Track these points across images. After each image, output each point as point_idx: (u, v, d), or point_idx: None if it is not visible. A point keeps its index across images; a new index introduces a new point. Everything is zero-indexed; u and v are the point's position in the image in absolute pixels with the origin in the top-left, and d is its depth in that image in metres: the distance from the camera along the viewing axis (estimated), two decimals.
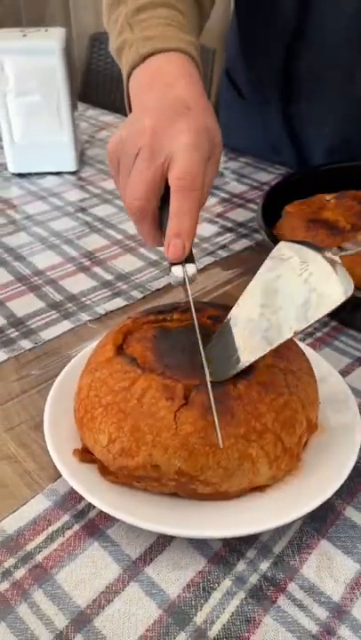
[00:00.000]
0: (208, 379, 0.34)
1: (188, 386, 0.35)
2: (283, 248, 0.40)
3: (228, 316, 0.39)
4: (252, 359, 0.36)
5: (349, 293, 0.35)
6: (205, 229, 0.69)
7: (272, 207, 0.63)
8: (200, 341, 0.36)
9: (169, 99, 0.43)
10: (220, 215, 0.72)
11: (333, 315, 0.53)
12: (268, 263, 0.40)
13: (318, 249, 0.39)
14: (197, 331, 0.36)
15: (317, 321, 0.42)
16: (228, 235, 0.68)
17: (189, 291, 0.38)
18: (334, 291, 0.36)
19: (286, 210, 0.61)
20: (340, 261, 0.39)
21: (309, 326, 0.37)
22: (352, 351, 0.49)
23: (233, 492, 0.34)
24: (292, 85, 0.74)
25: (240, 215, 0.72)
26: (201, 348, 0.36)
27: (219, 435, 0.32)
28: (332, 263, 0.38)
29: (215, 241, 0.67)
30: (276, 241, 0.55)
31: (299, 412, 0.36)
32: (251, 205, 0.74)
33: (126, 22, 0.53)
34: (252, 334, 0.37)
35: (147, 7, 0.52)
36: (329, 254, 0.39)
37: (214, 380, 0.35)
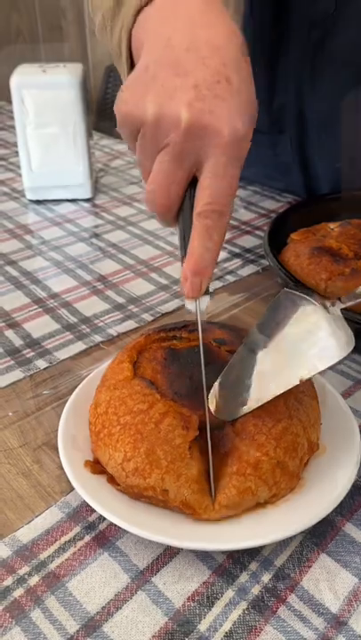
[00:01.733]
0: (208, 428, 0.36)
1: (202, 417, 0.36)
2: (287, 296, 0.40)
3: (240, 348, 0.40)
4: (259, 404, 0.36)
5: (352, 346, 0.36)
6: None
7: (279, 234, 0.65)
8: (205, 387, 0.37)
9: (206, 51, 0.36)
10: (228, 241, 0.75)
11: None
12: (272, 309, 0.40)
13: (319, 300, 0.39)
14: (203, 374, 0.37)
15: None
16: (236, 260, 0.70)
17: (200, 325, 0.38)
18: (337, 344, 0.36)
19: (292, 237, 0.64)
20: (340, 314, 0.38)
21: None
22: (354, 374, 0.51)
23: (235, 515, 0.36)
24: (305, 115, 0.77)
25: (248, 242, 0.75)
26: (205, 391, 0.37)
27: (212, 488, 0.35)
28: (333, 316, 0.38)
29: (224, 266, 0.69)
30: (281, 267, 0.57)
31: (300, 436, 0.37)
32: (258, 232, 0.77)
33: None
34: (261, 376, 0.38)
35: None
36: (329, 308, 0.39)
37: (219, 417, 0.37)
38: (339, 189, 0.75)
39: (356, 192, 0.71)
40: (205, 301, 0.38)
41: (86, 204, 0.85)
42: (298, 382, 0.36)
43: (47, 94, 0.77)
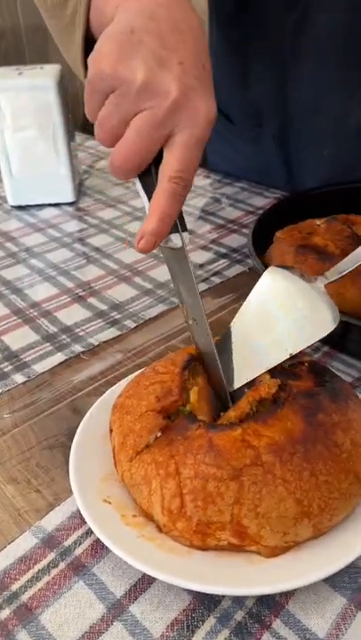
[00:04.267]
0: None
1: None
2: (273, 272, 0.43)
3: (233, 325, 0.42)
4: (245, 381, 0.38)
5: (337, 321, 0.39)
6: (200, 256, 0.70)
7: (266, 232, 0.63)
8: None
9: (187, 38, 0.39)
10: (214, 241, 0.73)
11: (325, 340, 0.53)
12: (259, 286, 0.42)
13: (305, 277, 0.42)
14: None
15: (309, 346, 0.43)
16: (223, 261, 0.68)
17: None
18: (324, 319, 0.39)
19: (277, 235, 0.62)
20: (324, 290, 0.40)
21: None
22: (344, 376, 0.49)
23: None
24: (288, 109, 0.75)
25: (235, 241, 0.73)
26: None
27: None
28: (319, 292, 0.41)
29: (209, 268, 0.67)
30: (265, 267, 0.55)
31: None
32: (245, 231, 0.75)
33: None
34: (249, 353, 0.40)
35: None
36: (315, 283, 0.41)
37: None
38: (325, 183, 0.73)
39: (343, 186, 0.69)
40: (186, 236, 0.40)
41: (70, 208, 0.83)
42: (288, 356, 0.38)
43: (24, 97, 0.75)
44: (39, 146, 0.78)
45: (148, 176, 0.39)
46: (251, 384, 0.39)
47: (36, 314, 0.59)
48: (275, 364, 0.38)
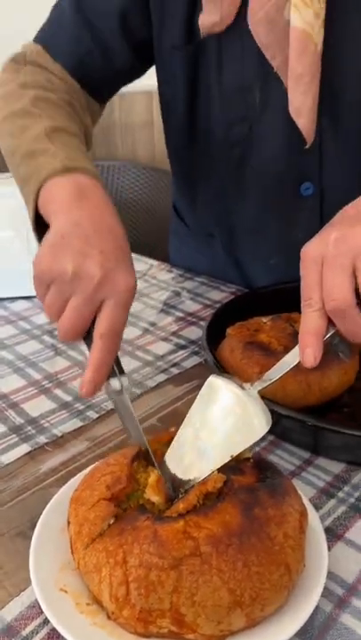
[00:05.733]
0: None
1: None
2: (215, 380, 0.48)
3: (181, 429, 0.46)
4: (200, 479, 0.42)
5: (270, 425, 0.44)
6: (160, 347, 0.75)
7: (221, 325, 0.69)
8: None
9: (106, 235, 0.51)
10: (174, 333, 0.79)
11: (270, 431, 0.58)
12: (203, 391, 0.48)
13: (240, 384, 0.48)
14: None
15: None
16: (181, 352, 0.74)
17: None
18: (258, 423, 0.44)
19: (228, 332, 0.68)
20: (258, 396, 0.46)
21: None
22: (288, 464, 0.54)
23: None
24: (234, 230, 0.84)
25: (193, 333, 0.79)
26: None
27: None
28: (254, 399, 0.46)
29: (169, 359, 0.73)
30: (217, 362, 0.61)
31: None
32: (202, 323, 0.81)
33: (45, 135, 0.62)
34: (196, 455, 0.44)
35: (62, 130, 0.64)
36: (250, 390, 0.47)
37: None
38: (273, 283, 0.81)
39: (289, 285, 0.77)
40: (125, 380, 0.49)
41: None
42: (230, 458, 0.43)
43: (1, 202, 0.82)
44: (14, 245, 0.85)
45: (89, 337, 0.49)
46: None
47: (4, 405, 0.63)
48: (218, 467, 0.42)
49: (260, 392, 0.47)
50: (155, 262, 1.03)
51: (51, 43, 0.73)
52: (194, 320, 0.83)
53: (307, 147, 0.66)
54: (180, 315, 0.84)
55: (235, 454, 0.43)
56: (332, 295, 0.44)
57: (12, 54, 0.75)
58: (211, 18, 0.63)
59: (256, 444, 0.56)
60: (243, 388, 0.47)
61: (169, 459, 0.45)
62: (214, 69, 0.69)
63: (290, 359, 0.49)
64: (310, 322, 0.46)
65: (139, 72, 0.79)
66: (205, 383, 0.48)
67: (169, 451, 0.46)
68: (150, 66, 0.77)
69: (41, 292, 0.51)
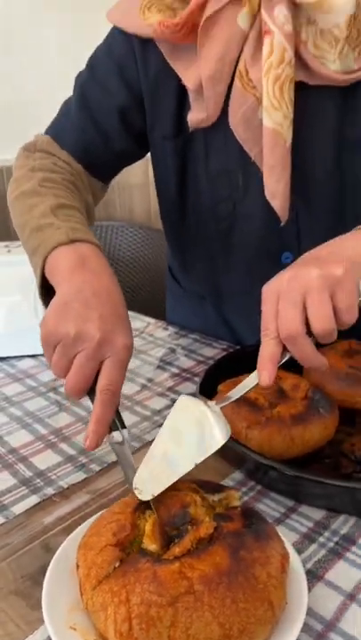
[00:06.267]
0: None
1: None
2: (183, 399, 0.56)
3: (155, 440, 0.54)
4: (163, 488, 0.49)
5: (228, 436, 0.52)
6: (157, 402, 0.81)
7: (213, 381, 0.76)
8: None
9: (105, 299, 0.58)
10: (170, 389, 0.85)
11: (258, 480, 0.64)
12: (174, 410, 0.55)
13: (205, 402, 0.56)
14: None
15: (244, 484, 0.61)
16: None
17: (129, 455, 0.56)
18: (218, 435, 0.52)
19: (219, 388, 0.74)
20: (219, 412, 0.55)
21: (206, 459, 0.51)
22: (273, 511, 0.59)
23: None
24: (221, 292, 0.92)
25: (188, 388, 0.85)
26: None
27: None
28: (216, 414, 0.54)
29: (165, 414, 0.79)
30: None
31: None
32: (196, 379, 0.88)
33: (51, 211, 0.69)
34: (166, 465, 0.51)
35: (66, 206, 0.72)
36: (213, 407, 0.55)
37: (142, 498, 0.49)
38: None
39: None
40: (126, 432, 0.57)
41: (44, 358, 0.95)
42: (193, 465, 0.50)
43: (10, 270, 0.90)
44: (22, 308, 0.93)
45: (92, 393, 0.56)
46: (192, 522, 0.48)
47: (14, 459, 0.69)
48: (185, 473, 0.50)
49: (222, 407, 0.55)
50: (152, 320, 1.10)
51: (59, 134, 0.83)
52: (188, 376, 0.89)
53: (282, 224, 0.74)
54: (176, 371, 0.91)
55: (198, 462, 0.51)
56: (285, 325, 0.52)
57: (25, 144, 0.84)
58: (198, 116, 0.73)
59: (245, 493, 0.62)
60: (207, 404, 0.55)
61: (141, 471, 0.52)
62: (201, 157, 0.79)
63: (249, 381, 0.56)
64: (267, 348, 0.54)
65: (138, 156, 0.88)
66: (176, 402, 0.56)
67: (142, 464, 0.52)
68: (148, 151, 0.87)
69: (48, 352, 0.58)
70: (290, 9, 0.63)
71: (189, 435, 0.53)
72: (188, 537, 0.46)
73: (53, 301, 0.59)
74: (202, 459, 0.51)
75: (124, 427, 0.57)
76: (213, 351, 0.97)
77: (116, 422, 0.56)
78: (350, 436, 0.70)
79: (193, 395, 0.58)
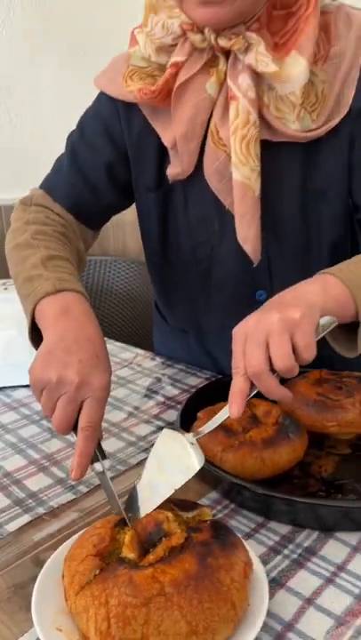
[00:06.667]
0: None
1: None
2: (166, 433, 0.64)
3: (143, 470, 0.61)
4: (150, 510, 0.56)
5: (202, 464, 0.59)
6: (142, 429, 0.87)
7: (195, 408, 0.82)
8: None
9: (84, 345, 0.66)
10: (155, 416, 0.91)
11: (231, 499, 0.69)
12: (158, 442, 0.63)
13: (183, 434, 0.63)
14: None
15: (219, 503, 0.66)
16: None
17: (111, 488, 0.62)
18: (193, 462, 0.59)
19: (198, 415, 0.80)
20: (195, 442, 0.62)
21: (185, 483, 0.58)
22: (244, 527, 0.65)
23: None
24: (202, 327, 0.99)
25: (172, 415, 0.91)
26: None
27: None
28: (193, 444, 0.62)
29: (149, 439, 0.85)
30: None
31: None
32: (180, 407, 0.94)
33: (41, 263, 0.77)
34: (150, 491, 0.58)
35: (55, 257, 0.79)
36: (190, 438, 0.62)
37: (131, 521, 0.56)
38: None
39: None
40: (107, 463, 0.64)
41: None
42: (173, 490, 0.57)
43: (7, 306, 0.97)
44: (17, 340, 0.99)
45: (77, 428, 0.63)
46: (166, 535, 0.54)
47: (8, 482, 0.74)
48: (165, 498, 0.56)
49: (197, 439, 0.63)
50: (140, 351, 1.17)
51: (51, 188, 0.91)
52: (172, 404, 0.95)
53: (254, 266, 0.82)
54: (162, 399, 0.97)
55: (177, 487, 0.57)
56: (251, 364, 0.58)
57: (22, 198, 0.92)
58: (175, 170, 0.81)
59: (219, 511, 0.67)
60: (185, 436, 0.62)
61: (134, 497, 0.59)
62: (181, 207, 0.87)
63: (222, 414, 0.63)
64: (237, 384, 0.60)
65: (123, 207, 0.97)
66: (159, 435, 0.63)
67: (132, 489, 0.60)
68: (133, 202, 0.95)
69: (37, 395, 0.66)
70: (252, 78, 0.72)
71: (170, 463, 0.60)
72: (161, 546, 0.52)
73: (39, 350, 0.67)
74: (181, 484, 0.57)
75: (104, 457, 0.64)
76: (197, 380, 1.03)
77: (98, 454, 0.63)
78: (318, 458, 0.76)
79: (173, 428, 0.65)
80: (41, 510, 0.69)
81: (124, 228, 2.08)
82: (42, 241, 0.82)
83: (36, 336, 0.74)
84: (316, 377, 0.87)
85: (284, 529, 0.64)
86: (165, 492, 0.57)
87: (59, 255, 0.80)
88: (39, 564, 0.60)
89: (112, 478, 0.75)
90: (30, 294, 0.74)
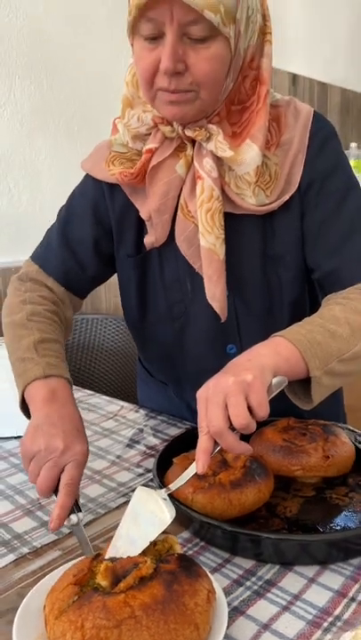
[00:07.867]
0: None
1: None
2: (140, 489, 0.70)
3: (120, 523, 0.66)
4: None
5: (173, 517, 0.65)
6: (123, 476, 0.93)
7: (172, 456, 0.88)
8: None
9: (67, 421, 0.78)
10: (136, 464, 0.98)
11: (201, 537, 0.75)
12: (134, 497, 0.69)
13: (155, 491, 0.70)
14: None
15: (190, 541, 0.72)
16: (139, 479, 0.92)
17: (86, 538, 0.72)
18: (165, 516, 0.65)
19: (174, 461, 0.87)
20: (166, 498, 0.69)
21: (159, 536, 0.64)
22: (211, 562, 0.70)
23: None
24: (180, 380, 1.07)
25: (151, 463, 0.97)
26: None
27: None
28: (165, 499, 0.68)
29: (129, 485, 0.90)
30: (161, 483, 0.80)
31: None
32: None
33: (34, 346, 0.86)
34: (128, 544, 0.63)
35: (47, 340, 0.89)
36: (162, 494, 0.69)
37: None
38: None
39: None
40: (81, 515, 0.72)
41: None
42: (148, 543, 0.62)
43: (0, 362, 1.05)
44: (9, 395, 1.06)
45: (57, 491, 0.73)
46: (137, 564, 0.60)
47: None
48: (141, 551, 0.61)
49: (168, 494, 0.70)
50: (125, 404, 1.24)
51: (44, 263, 1.02)
52: (153, 453, 1.02)
53: (222, 322, 0.90)
54: (143, 449, 1.03)
55: (152, 539, 0.63)
56: (212, 423, 0.65)
57: (19, 274, 1.03)
58: (151, 239, 0.93)
59: (189, 548, 0.73)
60: (157, 492, 0.69)
61: (111, 549, 0.63)
62: (157, 270, 0.97)
63: (189, 471, 0.70)
64: (202, 443, 0.67)
65: (108, 276, 1.08)
66: (134, 492, 0.70)
67: (112, 542, 0.64)
68: (115, 272, 1.06)
69: (26, 464, 0.76)
70: (215, 160, 0.84)
71: (145, 517, 0.66)
72: (131, 575, 0.58)
73: (29, 425, 0.79)
74: (155, 536, 0.63)
75: (79, 510, 0.73)
76: (177, 431, 1.10)
77: (74, 508, 0.72)
78: (285, 500, 0.83)
79: (147, 486, 0.77)
80: (25, 550, 0.74)
81: (116, 288, 2.17)
82: (36, 322, 0.91)
83: (24, 405, 0.85)
84: (284, 425, 0.94)
85: (248, 563, 0.69)
86: (142, 545, 0.62)
87: (49, 338, 0.90)
88: (22, 597, 0.64)
89: (93, 520, 0.81)
90: (22, 374, 0.85)
